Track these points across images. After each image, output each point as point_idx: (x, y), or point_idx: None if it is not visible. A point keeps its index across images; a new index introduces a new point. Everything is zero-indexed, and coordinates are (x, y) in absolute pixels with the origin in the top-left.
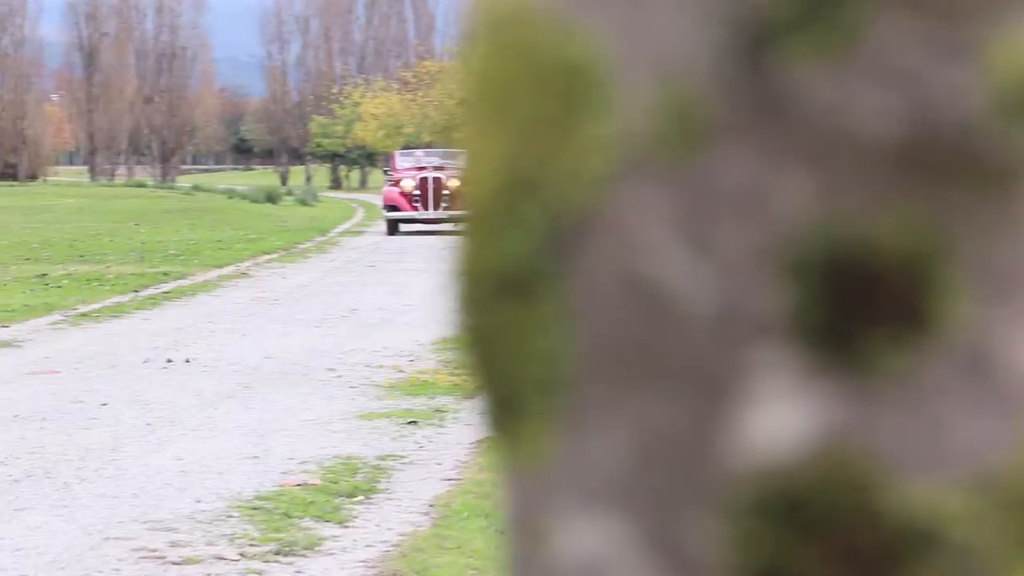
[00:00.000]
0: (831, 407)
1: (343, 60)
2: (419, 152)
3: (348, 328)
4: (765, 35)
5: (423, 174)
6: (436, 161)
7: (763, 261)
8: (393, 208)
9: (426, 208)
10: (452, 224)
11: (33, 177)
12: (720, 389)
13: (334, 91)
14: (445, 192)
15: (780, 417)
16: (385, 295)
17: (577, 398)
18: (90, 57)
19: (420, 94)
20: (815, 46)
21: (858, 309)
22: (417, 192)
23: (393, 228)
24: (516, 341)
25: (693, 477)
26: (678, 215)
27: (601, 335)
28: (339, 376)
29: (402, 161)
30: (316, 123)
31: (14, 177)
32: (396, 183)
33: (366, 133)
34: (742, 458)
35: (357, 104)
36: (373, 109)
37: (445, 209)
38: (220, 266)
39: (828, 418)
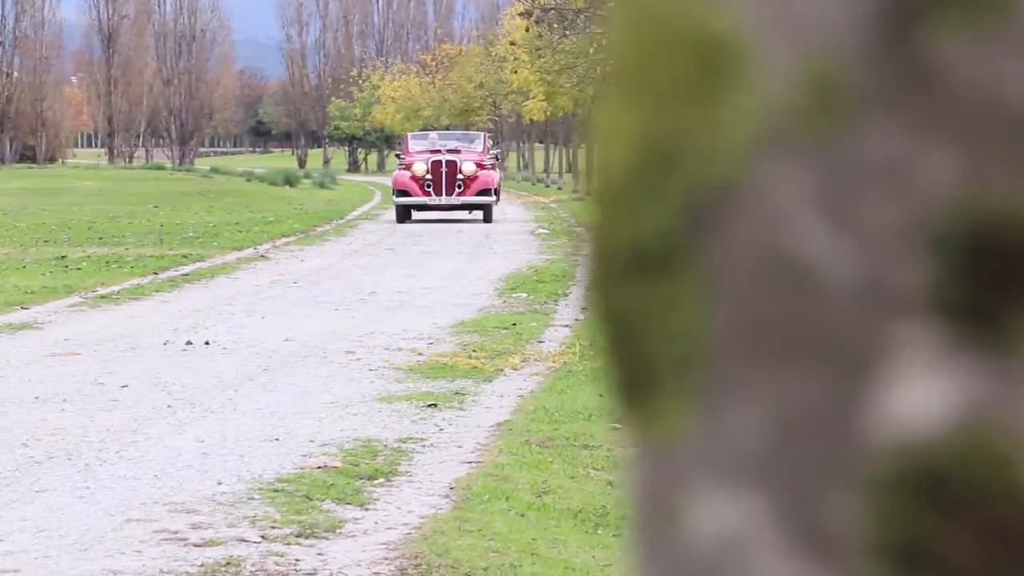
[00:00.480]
0: (973, 383)
1: (362, 43)
2: (433, 134)
3: (367, 311)
4: (912, 8)
5: (436, 157)
6: (451, 144)
7: (906, 236)
8: (404, 193)
9: (439, 194)
10: (466, 211)
11: (52, 159)
12: (861, 365)
13: (353, 74)
14: (460, 177)
15: (921, 393)
16: (403, 278)
17: (715, 375)
18: (109, 39)
19: (439, 77)
20: (964, 19)
21: (1001, 285)
22: (429, 177)
23: (403, 215)
24: (652, 317)
25: (833, 454)
26: (820, 189)
27: (740, 310)
28: (358, 359)
29: (415, 144)
30: (334, 106)
31: (33, 159)
32: (408, 167)
33: (384, 116)
34: (883, 434)
35: (376, 87)
36: (392, 92)
37: (459, 195)
38: (239, 248)
39: (970, 394)
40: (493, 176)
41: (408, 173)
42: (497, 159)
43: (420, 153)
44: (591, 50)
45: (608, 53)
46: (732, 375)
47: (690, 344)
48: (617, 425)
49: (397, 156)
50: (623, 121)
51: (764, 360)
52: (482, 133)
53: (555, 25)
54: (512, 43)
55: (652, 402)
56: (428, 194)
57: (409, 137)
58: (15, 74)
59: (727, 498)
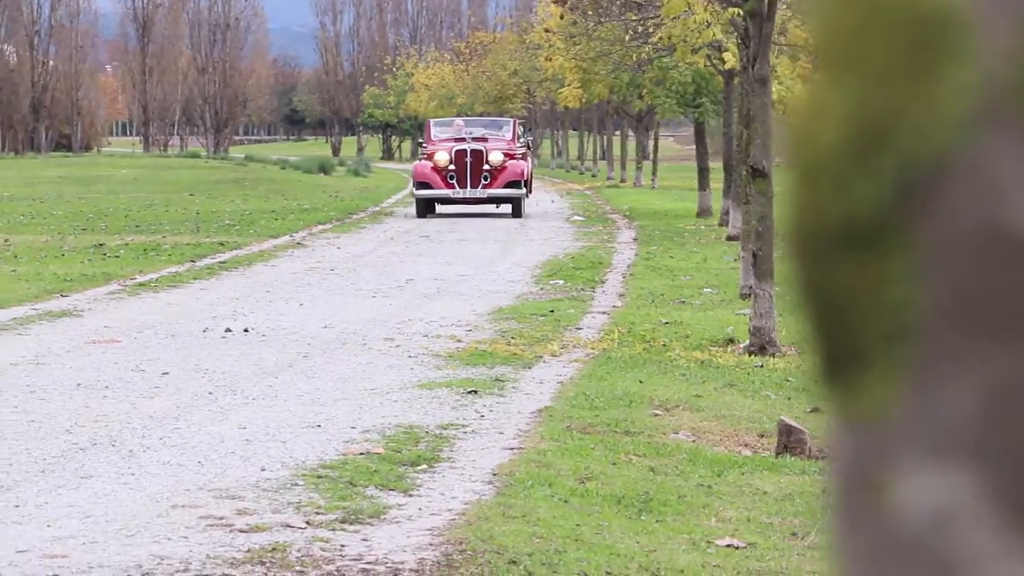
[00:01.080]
0: None
1: (396, 31)
2: (458, 120)
3: (404, 298)
4: None
5: (461, 146)
6: (478, 131)
7: None
8: (425, 185)
9: (464, 186)
10: (493, 204)
11: (87, 148)
12: None
13: (387, 62)
14: (486, 168)
15: None
16: (440, 265)
17: (925, 350)
18: (144, 28)
19: (472, 64)
20: None
21: None
22: (453, 167)
23: (425, 209)
24: (861, 293)
25: None
26: None
27: (953, 285)
28: (397, 346)
29: (438, 131)
30: (368, 94)
31: (68, 148)
32: (429, 156)
33: (418, 104)
34: None
35: (409, 75)
36: (425, 79)
37: (485, 187)
38: (275, 236)
39: None
40: (523, 166)
41: (430, 163)
42: (528, 147)
43: (443, 141)
44: (626, 37)
45: (814, 34)
46: (943, 350)
47: (900, 320)
48: (657, 412)
49: (419, 145)
50: (833, 99)
51: (977, 335)
52: (511, 119)
53: (590, 12)
54: (546, 30)
55: (858, 377)
56: (452, 186)
57: (432, 124)
58: (51, 63)
59: (937, 472)
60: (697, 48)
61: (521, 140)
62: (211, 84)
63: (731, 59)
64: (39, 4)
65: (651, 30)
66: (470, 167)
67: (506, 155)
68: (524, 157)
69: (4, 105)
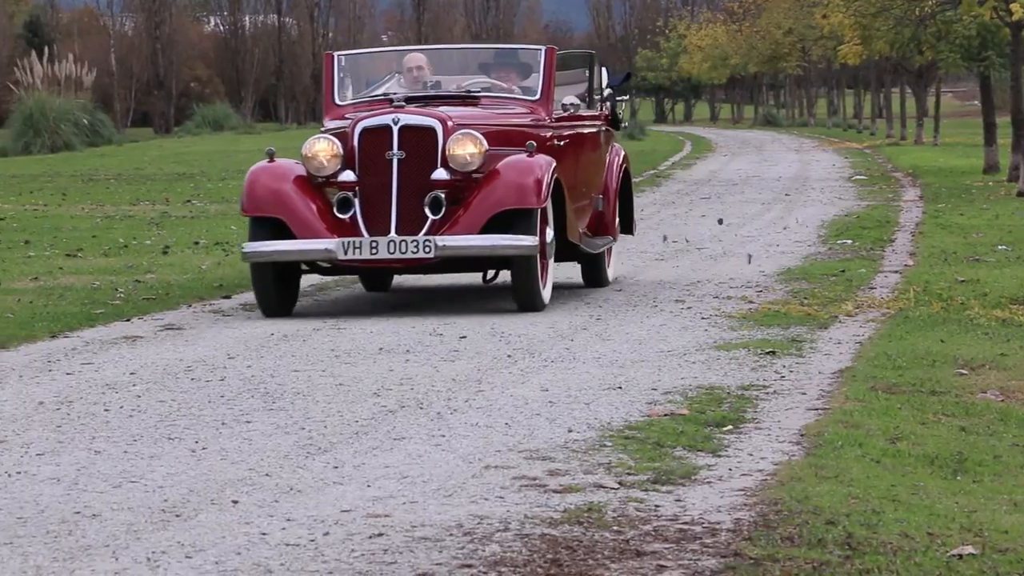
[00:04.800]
0: None
1: None
2: (417, 57)
3: (690, 260)
4: None
5: (373, 121)
6: (470, 82)
7: None
8: (267, 227)
9: (377, 229)
10: (457, 272)
11: None
12: None
13: (659, 23)
14: (439, 179)
15: None
16: (724, 227)
17: None
18: None
19: (746, 24)
20: None
21: None
22: (349, 179)
23: (264, 296)
24: None
25: None
26: None
27: None
28: (688, 307)
29: (353, 77)
30: (641, 56)
31: None
32: (310, 152)
33: (691, 65)
34: None
35: (682, 36)
36: (698, 41)
37: (434, 231)
38: None
39: None
40: (546, 169)
41: (290, 171)
42: (614, 116)
43: (365, 108)
44: None
45: None
46: None
47: None
48: (962, 372)
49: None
50: None
51: None
52: (544, 49)
53: None
54: None
55: None
56: (342, 230)
57: (338, 60)
58: (330, 35)
59: None
60: (983, 0)
61: (597, 101)
62: None
63: (1019, 10)
64: None
65: None
66: (397, 181)
67: (504, 138)
68: (587, 143)
69: (287, 77)
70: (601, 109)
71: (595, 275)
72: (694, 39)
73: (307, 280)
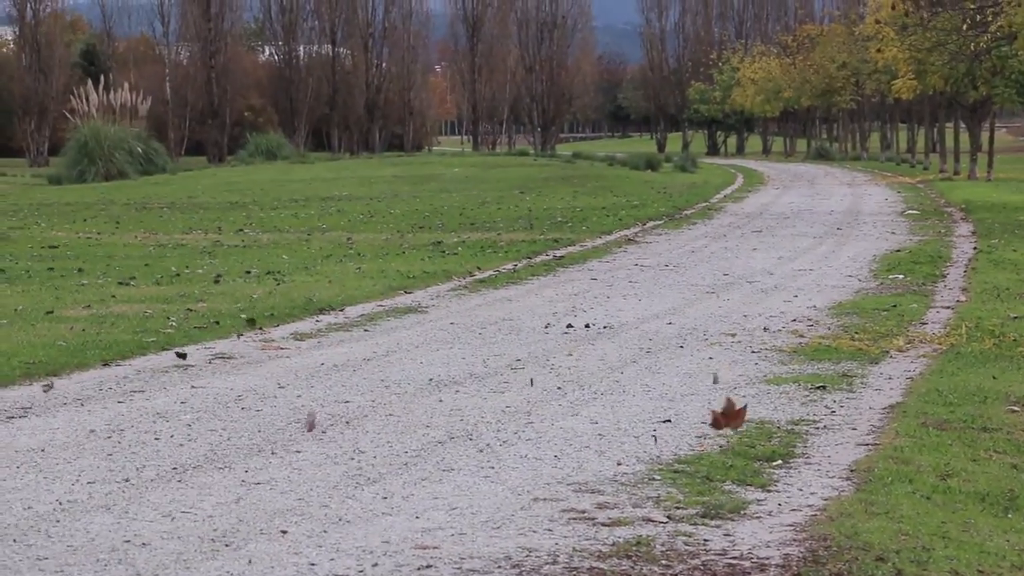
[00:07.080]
0: None
1: (721, 25)
2: None
3: (741, 293)
4: None
5: None
6: None
7: None
8: None
9: None
10: None
11: (418, 147)
12: None
13: (712, 56)
14: None
15: None
16: (775, 260)
17: None
18: (474, 28)
19: (799, 58)
20: None
21: None
22: None
23: None
24: None
25: None
26: None
27: None
28: (738, 341)
29: None
30: (694, 89)
31: (400, 147)
32: None
33: (744, 98)
34: None
35: (735, 69)
36: (751, 74)
37: None
38: (607, 232)
39: None
40: None
41: None
42: None
43: None
44: (963, 26)
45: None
46: None
47: None
48: (1014, 408)
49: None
50: None
51: None
52: None
53: (923, 2)
54: (878, 21)
55: None
56: None
57: None
58: (383, 65)
59: None
60: None
61: None
62: (538, 82)
63: None
64: (373, 7)
65: (990, 19)
66: None
67: None
68: None
69: (341, 107)
70: None
71: None
72: (747, 72)
73: (356, 311)
